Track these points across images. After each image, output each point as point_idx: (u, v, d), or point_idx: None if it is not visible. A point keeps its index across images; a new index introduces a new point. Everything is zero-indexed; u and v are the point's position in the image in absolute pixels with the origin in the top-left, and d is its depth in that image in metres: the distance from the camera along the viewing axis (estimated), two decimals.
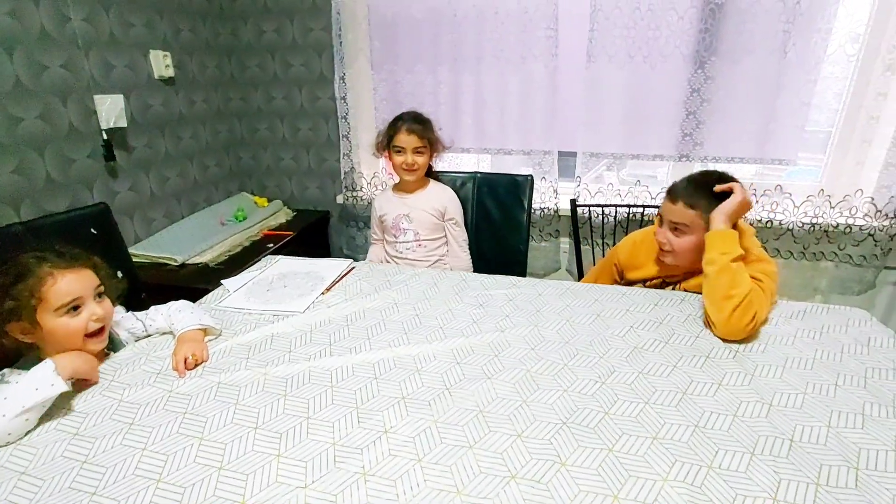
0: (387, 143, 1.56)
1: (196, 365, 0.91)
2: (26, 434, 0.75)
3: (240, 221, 2.21)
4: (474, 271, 1.62)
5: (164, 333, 1.03)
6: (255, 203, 2.44)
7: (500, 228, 1.61)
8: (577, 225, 1.85)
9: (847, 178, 1.88)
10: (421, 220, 1.57)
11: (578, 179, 2.02)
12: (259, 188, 2.56)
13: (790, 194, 1.89)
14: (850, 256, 1.92)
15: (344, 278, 1.28)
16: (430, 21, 1.98)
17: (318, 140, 2.39)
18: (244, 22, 2.26)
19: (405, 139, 1.51)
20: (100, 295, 0.92)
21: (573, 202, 1.83)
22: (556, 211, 2.06)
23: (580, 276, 1.90)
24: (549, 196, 2.06)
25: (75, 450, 0.72)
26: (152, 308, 1.04)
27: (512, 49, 1.94)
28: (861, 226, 1.83)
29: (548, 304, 1.13)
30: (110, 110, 1.70)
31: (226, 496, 0.64)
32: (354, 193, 2.31)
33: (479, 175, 1.64)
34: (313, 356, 0.94)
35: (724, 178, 1.15)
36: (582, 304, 1.13)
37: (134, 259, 1.79)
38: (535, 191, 2.08)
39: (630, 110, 1.92)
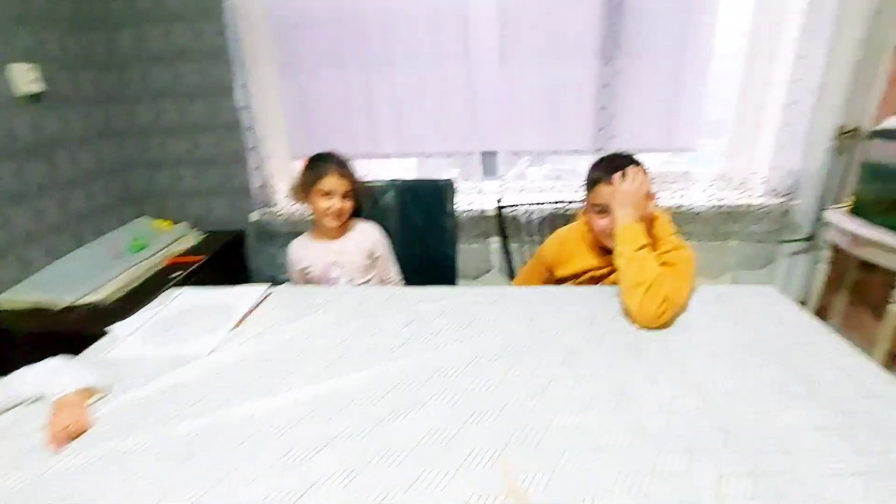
0: (308, 186, 1.39)
1: (77, 435, 0.77)
2: None
3: (137, 251, 1.98)
4: (404, 282, 1.55)
5: (36, 400, 0.86)
6: (157, 228, 2.21)
7: (426, 236, 1.56)
8: (503, 226, 1.84)
9: (744, 162, 2.03)
10: (352, 264, 1.44)
11: (502, 178, 2.01)
12: (161, 211, 2.32)
13: (697, 181, 2.00)
14: (753, 234, 2.07)
15: (260, 306, 1.16)
16: (334, 22, 1.89)
17: (224, 155, 2.21)
18: (122, 30, 2.03)
19: (336, 183, 1.36)
20: None
21: (499, 203, 1.82)
22: (483, 212, 2.04)
23: (511, 275, 1.90)
24: (474, 197, 2.04)
25: None
26: (18, 372, 0.87)
27: (424, 49, 1.89)
28: (759, 205, 1.98)
29: (480, 313, 1.09)
30: None
31: None
32: (270, 209, 2.15)
33: (399, 183, 1.57)
34: (223, 405, 0.82)
35: (630, 158, 1.20)
36: (514, 310, 1.10)
37: (7, 306, 1.56)
38: (459, 192, 2.05)
39: (546, 107, 1.94)
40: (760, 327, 0.99)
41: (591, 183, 1.20)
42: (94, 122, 2.05)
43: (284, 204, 2.18)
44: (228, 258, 2.25)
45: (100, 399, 0.86)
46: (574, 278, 1.30)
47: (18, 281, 1.67)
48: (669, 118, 1.94)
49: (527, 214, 1.95)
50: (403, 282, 1.55)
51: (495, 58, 1.86)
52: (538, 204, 1.91)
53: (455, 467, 0.68)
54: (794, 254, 2.16)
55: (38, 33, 1.76)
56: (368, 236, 1.47)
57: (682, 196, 2.00)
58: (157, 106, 2.15)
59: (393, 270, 1.54)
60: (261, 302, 1.17)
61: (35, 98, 1.75)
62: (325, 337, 1.02)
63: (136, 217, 2.27)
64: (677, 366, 0.88)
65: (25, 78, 1.70)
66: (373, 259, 1.47)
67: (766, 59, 1.86)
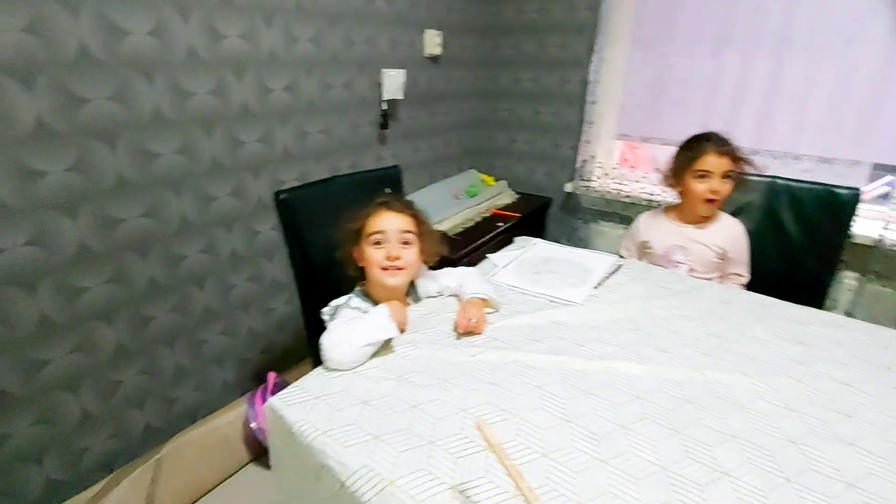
0: (684, 168, 1.32)
1: (474, 330, 0.92)
2: (360, 365, 0.84)
3: (471, 197, 2.29)
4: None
5: (450, 295, 1.07)
6: (483, 181, 2.51)
7: (797, 251, 1.33)
8: None
9: None
10: (700, 255, 1.34)
11: (894, 202, 1.58)
12: (486, 167, 2.62)
13: None
14: None
15: (613, 275, 1.19)
16: None
17: (557, 125, 2.33)
18: (507, 2, 2.29)
19: (716, 163, 1.27)
20: (407, 242, 0.98)
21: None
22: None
23: None
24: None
25: (403, 394, 0.77)
26: (445, 270, 1.10)
27: (832, 28, 1.57)
28: None
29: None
30: (392, 83, 1.87)
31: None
32: (587, 183, 2.20)
33: (778, 181, 1.37)
34: (608, 356, 0.87)
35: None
36: None
37: None
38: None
39: None
40: None
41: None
42: (470, 82, 2.39)
43: (602, 181, 2.19)
44: (533, 222, 2.42)
45: (492, 312, 1.01)
46: None
47: None
48: None
49: None
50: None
51: None
52: None
53: None
54: None
55: (448, 3, 2.12)
56: (727, 235, 1.34)
57: None
58: (516, 73, 2.38)
59: (743, 270, 1.37)
60: (614, 272, 1.20)
61: (435, 59, 2.13)
62: (693, 327, 0.97)
63: (469, 168, 2.63)
64: None
65: (432, 42, 2.07)
66: (723, 259, 1.34)
67: None
